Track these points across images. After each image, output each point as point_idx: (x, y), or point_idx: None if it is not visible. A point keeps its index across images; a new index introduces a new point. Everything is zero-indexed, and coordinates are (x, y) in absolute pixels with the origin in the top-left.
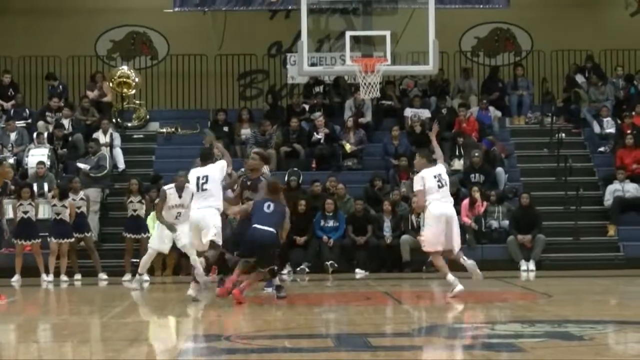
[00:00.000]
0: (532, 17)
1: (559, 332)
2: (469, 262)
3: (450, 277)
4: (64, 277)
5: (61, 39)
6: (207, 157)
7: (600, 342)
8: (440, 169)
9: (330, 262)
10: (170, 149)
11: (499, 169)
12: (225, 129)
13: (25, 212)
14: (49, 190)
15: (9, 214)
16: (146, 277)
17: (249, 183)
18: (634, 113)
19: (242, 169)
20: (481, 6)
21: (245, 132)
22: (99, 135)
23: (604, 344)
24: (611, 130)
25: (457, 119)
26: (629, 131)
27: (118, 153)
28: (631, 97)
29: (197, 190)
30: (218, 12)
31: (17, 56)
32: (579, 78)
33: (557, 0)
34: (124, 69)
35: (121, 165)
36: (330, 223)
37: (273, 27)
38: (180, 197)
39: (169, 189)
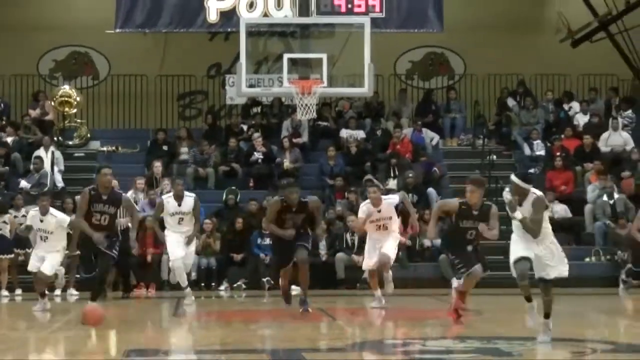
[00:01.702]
0: (465, 41)
1: (489, 349)
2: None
3: (378, 293)
4: (4, 292)
5: (3, 57)
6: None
7: (528, 358)
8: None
9: (266, 279)
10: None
11: (430, 189)
12: (165, 147)
13: None
14: None
15: None
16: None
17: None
18: (563, 136)
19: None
20: (416, 30)
21: (184, 150)
22: (41, 153)
23: None
24: (541, 152)
25: (391, 141)
26: (558, 153)
27: (57, 172)
28: (560, 121)
29: None
30: (158, 33)
31: None
32: (510, 102)
33: (489, 26)
34: (66, 88)
35: (59, 183)
36: (267, 241)
37: (212, 49)
38: (179, 205)
39: (167, 197)
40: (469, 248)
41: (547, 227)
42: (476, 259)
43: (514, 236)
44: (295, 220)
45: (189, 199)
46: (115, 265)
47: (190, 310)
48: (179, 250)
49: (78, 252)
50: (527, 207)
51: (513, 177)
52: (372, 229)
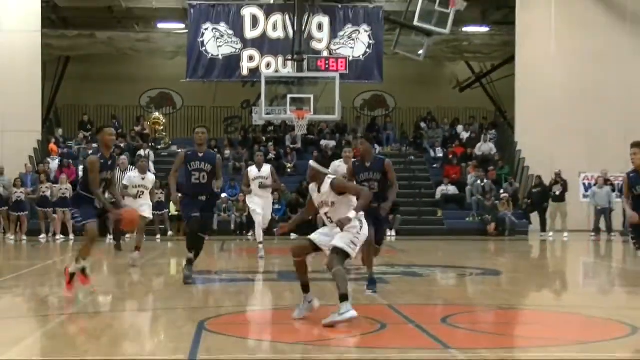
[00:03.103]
0: (395, 88)
1: (409, 272)
2: None
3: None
4: (59, 236)
5: (119, 94)
6: None
7: (432, 278)
8: None
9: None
10: None
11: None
12: (215, 150)
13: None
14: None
15: None
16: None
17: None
18: (454, 145)
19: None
20: (366, 81)
21: (227, 152)
22: (141, 152)
23: (435, 279)
24: (440, 155)
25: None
26: (451, 156)
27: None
28: (452, 136)
29: None
30: (212, 82)
31: (93, 105)
32: (423, 124)
33: (410, 78)
34: (156, 114)
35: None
36: (276, 206)
37: (245, 91)
38: (259, 171)
39: (250, 166)
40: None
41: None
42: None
43: None
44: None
45: (267, 166)
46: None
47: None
48: (259, 209)
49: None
50: (325, 189)
51: (311, 163)
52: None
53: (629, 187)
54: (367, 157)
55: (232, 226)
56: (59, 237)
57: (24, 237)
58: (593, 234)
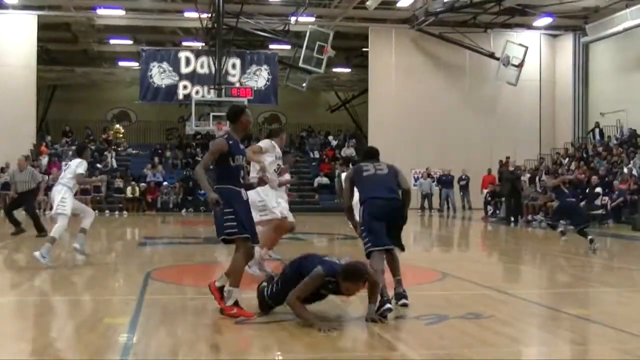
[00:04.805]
0: (286, 109)
1: (294, 237)
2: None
3: None
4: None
5: (91, 112)
6: None
7: (311, 241)
8: None
9: None
10: (135, 160)
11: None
12: (160, 151)
13: None
14: None
15: None
16: None
17: None
18: (327, 149)
19: None
20: (266, 104)
21: (168, 153)
22: (107, 154)
23: (312, 242)
24: (317, 156)
25: None
26: (325, 157)
27: (113, 161)
28: (325, 144)
29: None
30: (157, 103)
31: (73, 119)
32: (306, 135)
33: (296, 103)
34: (118, 126)
35: (115, 166)
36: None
37: (180, 110)
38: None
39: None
40: None
41: None
42: None
43: None
44: None
45: None
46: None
47: None
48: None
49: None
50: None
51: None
52: None
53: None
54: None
55: (171, 205)
56: (47, 212)
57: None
58: (420, 211)
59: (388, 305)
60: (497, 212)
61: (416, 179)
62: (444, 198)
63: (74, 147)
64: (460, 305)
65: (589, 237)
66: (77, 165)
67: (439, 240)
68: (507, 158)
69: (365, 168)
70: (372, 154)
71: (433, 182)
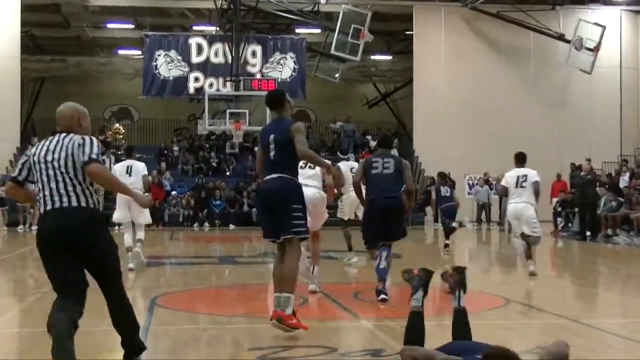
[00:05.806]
0: (316, 104)
1: (326, 256)
2: None
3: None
4: None
5: (87, 109)
6: None
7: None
8: None
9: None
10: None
11: None
12: (165, 152)
13: None
14: None
15: None
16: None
17: None
18: (364, 151)
19: None
20: (292, 98)
21: (175, 150)
22: (105, 157)
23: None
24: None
25: None
26: (362, 157)
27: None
28: (363, 144)
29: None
30: (164, 98)
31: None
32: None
33: (328, 97)
34: (117, 125)
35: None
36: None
37: (191, 106)
38: None
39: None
40: None
41: None
42: None
43: None
44: None
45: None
46: None
47: None
48: None
49: None
50: None
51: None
52: None
53: None
54: None
55: (181, 218)
56: (35, 227)
57: (5, 228)
58: (476, 224)
59: None
60: (570, 225)
61: (471, 187)
62: (504, 209)
63: None
64: (525, 337)
65: None
66: None
67: (499, 259)
68: (588, 160)
69: (375, 165)
70: (387, 143)
71: (492, 189)
